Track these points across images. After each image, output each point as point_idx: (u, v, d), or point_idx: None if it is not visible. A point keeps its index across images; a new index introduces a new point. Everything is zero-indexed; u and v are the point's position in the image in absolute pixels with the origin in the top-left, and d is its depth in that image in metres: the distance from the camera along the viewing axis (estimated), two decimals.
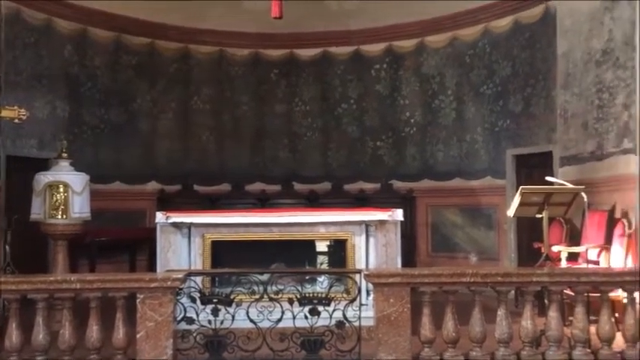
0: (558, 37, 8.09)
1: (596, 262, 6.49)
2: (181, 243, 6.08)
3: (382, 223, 6.11)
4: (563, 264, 6.34)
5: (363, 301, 5.15)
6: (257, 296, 4.70)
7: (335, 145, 10.63)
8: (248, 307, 4.61)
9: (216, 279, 6.08)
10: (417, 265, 9.48)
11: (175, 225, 6.09)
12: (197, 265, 6.08)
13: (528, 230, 8.28)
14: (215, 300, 4.66)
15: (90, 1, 9.03)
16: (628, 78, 6.46)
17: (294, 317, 4.58)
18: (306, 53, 10.59)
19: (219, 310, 4.60)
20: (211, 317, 4.58)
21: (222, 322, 4.57)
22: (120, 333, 4.37)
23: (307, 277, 6.31)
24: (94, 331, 4.36)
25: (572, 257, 6.65)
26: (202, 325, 4.60)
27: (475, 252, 9.47)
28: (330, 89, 10.64)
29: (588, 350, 4.46)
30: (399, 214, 6.10)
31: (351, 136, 10.57)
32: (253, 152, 10.63)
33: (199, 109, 10.47)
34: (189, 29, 10.13)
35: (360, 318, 4.60)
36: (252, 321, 4.58)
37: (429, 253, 10.00)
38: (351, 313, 4.67)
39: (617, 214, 6.54)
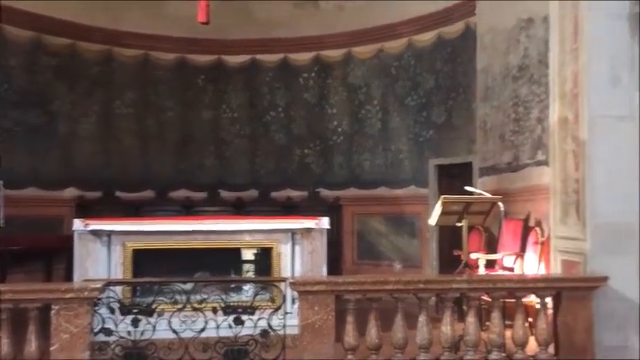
0: (478, 53, 8.42)
1: (512, 269, 6.77)
2: (101, 252, 5.87)
3: (308, 231, 6.14)
4: (482, 271, 6.57)
5: (289, 310, 5.15)
6: (179, 306, 4.61)
7: (263, 153, 10.62)
8: (170, 317, 4.52)
9: (137, 289, 5.92)
10: (342, 272, 9.58)
11: (94, 233, 5.88)
12: (117, 274, 5.89)
13: (449, 238, 8.54)
14: (135, 310, 4.53)
15: (8, 0, 8.63)
16: (542, 93, 6.80)
17: (217, 327, 4.52)
18: (234, 60, 10.55)
19: (140, 320, 4.47)
20: (131, 328, 4.45)
21: (142, 333, 4.44)
22: (32, 346, 4.16)
23: (232, 286, 6.24)
24: (4, 344, 4.14)
25: (490, 264, 6.90)
26: (121, 337, 4.46)
27: (399, 260, 9.67)
28: (258, 96, 10.63)
29: (503, 354, 4.63)
30: (325, 223, 6.15)
31: (278, 144, 10.59)
32: (179, 159, 10.45)
33: (122, 113, 10.20)
34: (114, 32, 9.88)
35: (284, 326, 4.59)
36: (174, 331, 4.49)
37: (355, 261, 10.13)
38: (276, 321, 4.66)
39: (532, 223, 6.85)
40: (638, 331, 4.97)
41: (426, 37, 9.43)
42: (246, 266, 6.88)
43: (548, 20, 5.89)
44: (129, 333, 4.45)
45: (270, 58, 10.53)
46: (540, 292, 4.76)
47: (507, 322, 4.86)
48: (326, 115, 10.45)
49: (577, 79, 5.25)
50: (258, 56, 10.52)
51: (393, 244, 9.86)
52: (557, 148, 5.57)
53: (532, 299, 5.04)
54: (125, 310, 4.58)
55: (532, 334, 4.82)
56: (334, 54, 10.30)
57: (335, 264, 9.45)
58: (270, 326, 4.57)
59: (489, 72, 8.18)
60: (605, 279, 4.77)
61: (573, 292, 4.75)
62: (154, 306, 4.56)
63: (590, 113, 5.08)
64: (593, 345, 4.69)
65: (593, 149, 5.07)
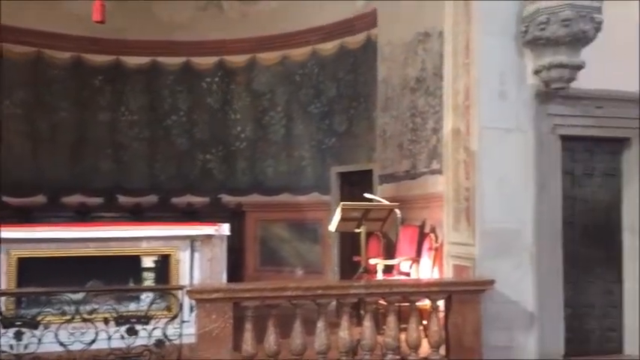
0: (379, 64, 8.67)
1: (408, 274, 6.99)
2: None
3: (208, 237, 6.04)
4: (380, 276, 6.73)
5: (186, 318, 5.04)
6: (68, 317, 4.39)
7: (163, 157, 10.35)
8: (57, 329, 4.29)
9: (23, 300, 5.57)
10: (244, 279, 9.51)
11: None
12: (1, 284, 5.53)
13: (351, 244, 8.69)
14: (18, 322, 4.26)
15: None
16: (437, 105, 7.09)
17: (109, 338, 4.35)
18: (134, 61, 10.22)
19: (23, 333, 4.22)
20: (14, 342, 4.19)
21: (26, 347, 4.19)
22: None
23: (129, 295, 6.02)
24: None
25: (388, 269, 7.09)
26: (3, 351, 4.18)
27: (301, 266, 9.73)
28: (159, 99, 10.36)
29: (398, 357, 4.76)
30: (225, 229, 6.08)
31: (180, 149, 10.37)
32: (73, 162, 9.96)
33: (12, 113, 9.59)
34: (4, 27, 9.28)
35: (181, 335, 4.49)
36: (61, 344, 4.27)
37: (257, 268, 10.08)
38: (172, 330, 4.55)
39: (427, 229, 7.12)
40: (522, 331, 5.29)
41: (330, 47, 9.59)
42: (145, 274, 6.67)
43: (443, 35, 6.16)
44: (11, 347, 4.19)
45: (172, 60, 10.29)
46: (433, 296, 4.95)
47: (403, 326, 5.01)
48: (229, 120, 10.35)
49: (469, 92, 5.52)
50: (160, 58, 10.26)
51: (295, 251, 9.90)
52: (450, 158, 5.83)
53: (427, 303, 5.22)
54: (7, 323, 4.31)
55: (426, 337, 5.00)
56: (238, 59, 10.23)
57: (237, 271, 9.37)
58: (165, 336, 4.46)
59: (389, 83, 8.43)
60: (491, 282, 5.03)
61: (463, 295, 4.98)
62: (39, 318, 4.32)
63: (480, 125, 5.36)
64: (480, 345, 4.92)
65: (482, 159, 5.34)
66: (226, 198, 10.25)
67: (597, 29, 5.25)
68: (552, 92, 5.50)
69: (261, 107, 10.23)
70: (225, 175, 10.34)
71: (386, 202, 6.24)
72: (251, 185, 10.25)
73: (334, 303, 4.87)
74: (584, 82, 5.55)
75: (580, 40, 5.25)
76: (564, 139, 5.72)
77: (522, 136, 5.43)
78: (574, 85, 5.51)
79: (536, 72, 5.44)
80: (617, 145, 5.98)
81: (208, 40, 10.08)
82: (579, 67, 5.36)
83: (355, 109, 9.33)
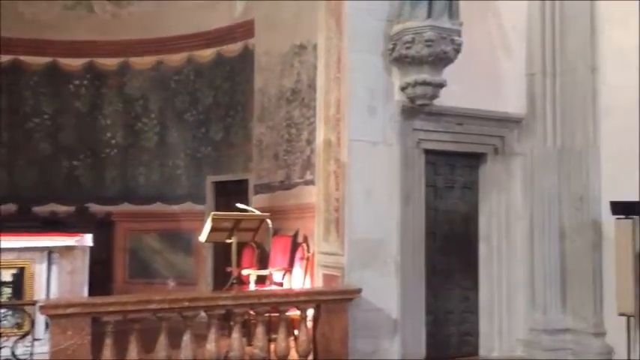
0: (256, 73, 8.66)
1: (281, 284, 7.01)
2: None
3: (69, 249, 5.68)
4: (252, 286, 6.69)
5: (40, 336, 4.70)
6: None
7: (23, 163, 9.63)
8: None
9: None
10: (113, 292, 9.06)
11: None
12: None
13: (225, 255, 8.54)
14: None
15: None
16: (311, 116, 7.19)
17: None
18: None
19: None
20: None
21: None
22: None
23: None
24: None
25: (262, 280, 7.07)
26: None
27: (173, 277, 9.44)
28: (20, 101, 9.65)
29: None
30: (87, 240, 5.75)
31: (43, 154, 9.71)
32: None
33: None
34: None
35: (32, 354, 4.18)
36: None
37: (126, 280, 9.65)
38: (23, 349, 4.22)
39: (300, 239, 7.18)
40: (387, 337, 5.47)
41: (207, 54, 9.45)
42: (3, 289, 6.15)
43: (317, 48, 6.28)
44: None
45: (37, 60, 9.64)
46: (302, 306, 5.00)
47: (275, 336, 5.00)
48: (99, 125, 9.86)
49: (339, 105, 5.66)
50: (22, 57, 9.58)
51: (167, 262, 9.60)
52: (321, 169, 5.94)
53: (297, 312, 5.25)
54: None
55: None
56: (110, 62, 9.79)
57: (104, 284, 8.94)
58: (14, 355, 4.13)
59: (266, 93, 8.45)
60: (359, 291, 5.17)
61: (331, 304, 5.07)
62: None
63: (349, 137, 5.51)
64: (347, 353, 5.03)
65: (351, 171, 5.49)
66: (94, 207, 9.74)
67: (457, 50, 5.60)
68: (417, 108, 5.79)
69: (134, 113, 9.85)
70: (94, 183, 9.82)
71: (257, 212, 6.22)
72: (121, 194, 9.81)
73: (204, 315, 4.76)
74: (447, 99, 5.90)
75: (442, 59, 5.58)
76: (428, 153, 6.04)
77: (389, 150, 5.65)
78: (437, 102, 5.83)
79: (403, 89, 5.70)
80: (475, 159, 6.40)
81: (77, 41, 9.55)
82: (441, 85, 5.68)
83: (232, 118, 9.25)
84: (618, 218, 5.71)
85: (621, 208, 5.67)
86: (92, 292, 5.90)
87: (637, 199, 5.66)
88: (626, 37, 6.04)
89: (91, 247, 5.84)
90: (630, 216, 5.65)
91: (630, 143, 5.93)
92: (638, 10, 5.95)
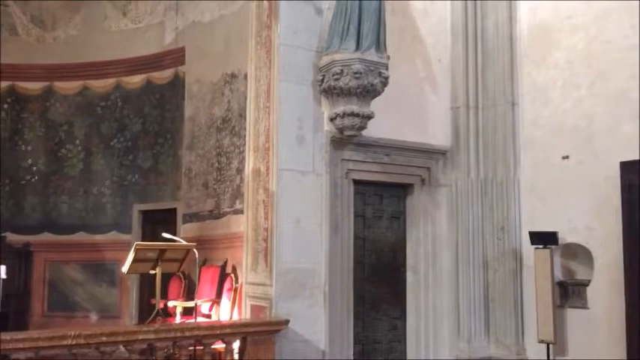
0: (186, 101, 8.56)
1: (209, 316, 6.84)
2: None
3: None
4: (178, 319, 6.50)
5: None
6: None
7: None
8: None
9: None
10: (29, 327, 8.60)
11: None
12: None
13: (151, 286, 8.30)
14: None
15: None
16: (242, 145, 7.16)
17: None
18: None
19: None
20: None
21: None
22: None
23: None
24: None
25: (189, 311, 6.88)
26: None
27: (96, 310, 9.07)
28: None
29: None
30: (1, 271, 5.45)
31: None
32: None
33: None
34: None
35: None
36: None
37: (45, 313, 9.18)
38: None
39: (229, 270, 7.06)
40: None
41: (136, 80, 9.27)
42: None
43: (248, 77, 6.27)
44: None
45: None
46: (227, 338, 4.88)
47: None
48: (19, 151, 9.45)
49: (269, 134, 5.65)
50: None
51: (90, 294, 9.21)
52: (250, 198, 5.88)
53: (222, 345, 5.12)
54: None
55: None
56: (33, 86, 9.45)
57: (20, 317, 8.49)
58: None
59: (196, 121, 8.35)
60: (286, 322, 5.11)
61: (258, 336, 4.98)
62: None
63: (278, 167, 5.50)
64: None
65: (280, 200, 5.46)
66: (12, 237, 9.26)
67: (385, 83, 5.72)
68: (346, 139, 5.86)
69: (57, 139, 9.50)
70: (12, 211, 9.35)
71: (183, 242, 6.08)
72: (41, 223, 9.38)
73: (123, 350, 4.56)
74: (375, 131, 6.00)
75: (370, 92, 5.68)
76: (357, 183, 6.10)
77: (318, 179, 5.67)
78: (366, 133, 5.92)
79: (332, 119, 5.75)
80: (403, 190, 6.51)
81: None
82: (369, 116, 5.77)
83: (161, 146, 9.08)
84: (537, 248, 5.93)
85: (539, 239, 5.89)
86: (7, 327, 5.59)
87: (553, 230, 5.89)
88: (541, 74, 6.36)
89: (5, 279, 5.55)
90: (548, 246, 5.87)
91: (547, 176, 6.20)
92: (553, 48, 6.28)
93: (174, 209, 8.68)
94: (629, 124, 5.56)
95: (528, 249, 6.10)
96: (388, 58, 5.75)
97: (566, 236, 5.96)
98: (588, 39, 5.97)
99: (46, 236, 9.36)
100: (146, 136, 9.20)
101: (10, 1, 9.12)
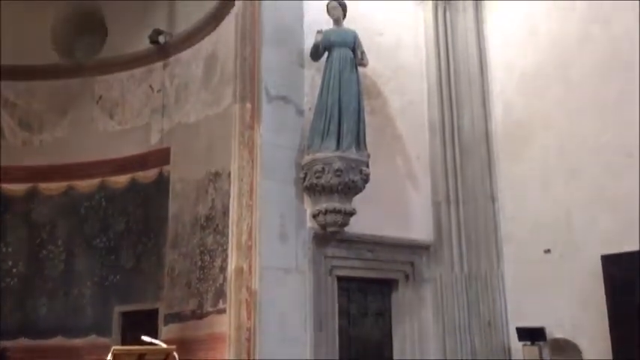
0: (170, 200, 8.59)
1: None
2: None
3: None
4: None
5: None
6: None
7: None
8: None
9: None
10: None
11: None
12: None
13: None
14: None
15: None
16: (225, 244, 7.12)
17: None
18: None
19: None
20: None
21: None
22: None
23: None
24: None
25: None
26: None
27: None
28: None
29: None
30: None
31: None
32: None
33: None
34: None
35: None
36: None
37: None
38: None
39: None
40: None
41: (121, 180, 9.31)
42: None
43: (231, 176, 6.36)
44: None
45: None
46: None
47: None
48: (0, 253, 9.31)
49: (252, 232, 5.67)
50: None
51: None
52: (233, 297, 5.80)
53: None
54: None
55: None
56: (17, 188, 9.45)
57: None
58: None
59: (180, 219, 8.35)
60: None
61: None
62: None
63: (261, 265, 5.48)
64: None
65: (263, 299, 5.41)
66: None
67: (365, 180, 5.85)
68: (329, 235, 5.90)
69: (39, 240, 9.38)
70: None
71: (162, 345, 5.91)
72: (19, 327, 9.06)
73: None
74: (358, 227, 6.06)
75: (351, 188, 5.79)
76: (340, 279, 6.07)
77: (301, 277, 5.65)
78: (348, 229, 5.97)
79: (314, 216, 5.82)
80: (387, 286, 6.48)
81: None
82: (351, 213, 5.85)
83: (144, 245, 8.99)
84: (525, 345, 5.84)
85: (527, 334, 5.83)
86: None
87: (541, 325, 5.84)
88: (518, 169, 6.53)
89: None
90: (536, 342, 5.79)
91: (530, 270, 6.23)
92: (528, 145, 6.50)
93: (156, 310, 8.47)
94: (606, 218, 5.67)
95: (516, 344, 6.01)
96: (368, 156, 5.91)
97: (553, 331, 5.91)
98: (561, 136, 6.20)
99: (23, 341, 9.02)
100: (129, 235, 9.13)
101: None
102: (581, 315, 5.74)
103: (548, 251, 6.09)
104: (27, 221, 9.45)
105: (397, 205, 6.59)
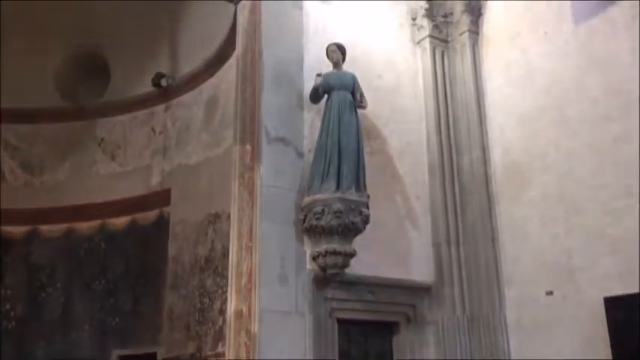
0: (170, 241, 8.57)
1: None
2: None
3: None
4: None
5: None
6: None
7: None
8: None
9: None
10: None
11: None
12: None
13: None
14: None
15: None
16: (224, 286, 7.06)
17: None
18: None
19: None
20: None
21: None
22: None
23: None
24: None
25: None
26: None
27: None
28: None
29: None
30: None
31: None
32: None
33: None
34: None
35: None
36: None
37: None
38: None
39: None
40: None
41: (121, 221, 9.31)
42: None
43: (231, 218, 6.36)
44: None
45: None
46: None
47: None
48: None
49: (251, 274, 5.63)
50: None
51: None
52: (232, 340, 5.72)
53: None
54: None
55: None
56: (17, 230, 9.44)
57: None
58: None
59: (179, 261, 8.31)
60: None
61: None
62: None
63: (260, 308, 5.42)
64: None
65: (262, 342, 5.33)
66: None
67: (365, 221, 5.84)
68: (329, 277, 5.85)
69: (39, 282, 9.32)
70: None
71: None
72: None
73: None
74: (358, 268, 6.02)
75: (351, 230, 5.78)
76: (341, 322, 6.00)
77: (301, 320, 5.59)
78: (349, 270, 5.93)
79: (314, 258, 5.79)
80: (388, 328, 6.40)
81: None
82: (352, 254, 5.82)
83: (143, 287, 8.92)
84: None
85: None
86: None
87: None
88: (518, 210, 6.52)
89: None
90: None
91: (532, 312, 6.16)
92: (527, 186, 6.50)
93: (154, 354, 8.36)
94: (608, 259, 5.63)
95: None
96: (368, 197, 5.92)
97: None
98: (560, 177, 6.21)
99: None
100: (128, 277, 9.07)
101: (0, 148, 9.39)
102: (584, 357, 5.64)
103: (550, 293, 6.03)
104: (26, 264, 9.41)
105: (397, 246, 6.56)
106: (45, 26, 9.34)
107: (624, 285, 5.40)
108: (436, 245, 6.74)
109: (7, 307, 9.21)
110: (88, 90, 9.86)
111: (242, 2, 6.69)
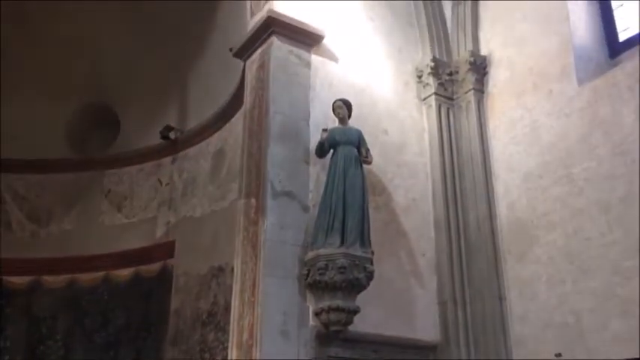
0: (172, 294, 8.48)
1: None
2: None
3: None
4: None
5: None
6: None
7: None
8: None
9: None
10: None
11: None
12: None
13: None
14: None
15: None
16: (226, 341, 6.94)
17: None
18: None
19: None
20: None
21: None
22: None
23: None
24: None
25: None
26: None
27: None
28: None
29: None
30: None
31: None
32: None
33: None
34: None
35: None
36: None
37: None
38: None
39: None
40: None
41: (124, 273, 9.25)
42: None
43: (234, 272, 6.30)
44: None
45: None
46: None
47: None
48: None
49: (252, 330, 5.53)
50: None
51: None
52: None
53: None
54: None
55: None
56: (20, 280, 9.37)
57: None
58: None
59: (181, 314, 8.21)
60: None
61: None
62: None
63: None
64: None
65: None
66: None
67: (370, 277, 5.76)
68: (332, 334, 5.73)
69: (38, 334, 9.19)
70: None
71: None
72: None
73: None
74: (362, 325, 5.90)
75: (355, 286, 5.69)
76: None
77: None
78: (352, 327, 5.81)
79: (317, 314, 5.69)
80: None
81: None
82: (355, 311, 5.71)
83: (144, 340, 8.78)
84: None
85: None
86: None
87: None
88: (524, 269, 6.42)
89: None
90: None
91: None
92: (533, 244, 6.42)
93: None
94: (617, 321, 5.49)
95: None
96: (372, 252, 5.86)
97: None
98: (566, 236, 6.12)
99: None
100: (129, 330, 8.94)
101: (9, 199, 9.44)
102: None
103: (559, 355, 5.86)
104: (28, 314, 9.31)
105: (402, 304, 6.44)
106: (57, 77, 9.55)
107: (636, 347, 5.25)
108: (442, 304, 6.61)
109: (7, 358, 9.05)
110: (97, 141, 9.99)
111: (251, 58, 6.83)
